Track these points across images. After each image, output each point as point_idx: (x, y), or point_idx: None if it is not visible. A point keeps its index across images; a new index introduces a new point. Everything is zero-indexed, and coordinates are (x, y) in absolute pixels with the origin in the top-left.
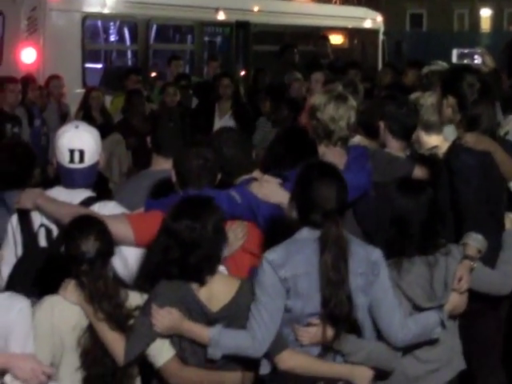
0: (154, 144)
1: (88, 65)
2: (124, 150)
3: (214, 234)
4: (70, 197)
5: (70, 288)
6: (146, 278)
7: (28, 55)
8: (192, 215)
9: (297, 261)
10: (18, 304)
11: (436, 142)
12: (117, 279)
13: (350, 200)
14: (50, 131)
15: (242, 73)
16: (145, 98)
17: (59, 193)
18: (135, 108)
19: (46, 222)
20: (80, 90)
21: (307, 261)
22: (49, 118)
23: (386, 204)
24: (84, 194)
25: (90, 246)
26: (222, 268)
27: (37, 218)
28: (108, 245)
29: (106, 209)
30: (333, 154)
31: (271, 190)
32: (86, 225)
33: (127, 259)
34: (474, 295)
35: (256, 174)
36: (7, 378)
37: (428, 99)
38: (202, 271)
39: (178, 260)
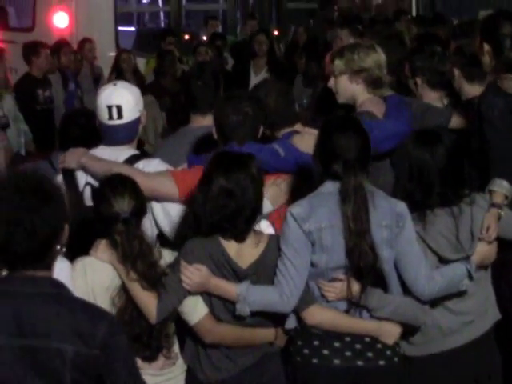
0: (187, 102)
1: (120, 27)
2: (158, 110)
3: (253, 194)
4: (115, 155)
5: (102, 247)
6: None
7: (61, 20)
8: (229, 173)
9: (320, 214)
10: (58, 264)
11: (478, 91)
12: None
13: (390, 147)
14: (83, 94)
15: (276, 32)
16: (177, 59)
17: (103, 151)
18: (166, 69)
19: (91, 180)
20: (113, 54)
21: (330, 213)
22: (82, 81)
23: (403, 156)
24: (128, 151)
25: (124, 205)
26: (267, 223)
27: (82, 178)
28: (141, 203)
29: (150, 166)
30: (371, 103)
31: (313, 143)
32: (120, 183)
33: (170, 215)
34: (503, 244)
35: (298, 127)
36: None
37: (469, 48)
38: (246, 229)
39: (231, 217)
